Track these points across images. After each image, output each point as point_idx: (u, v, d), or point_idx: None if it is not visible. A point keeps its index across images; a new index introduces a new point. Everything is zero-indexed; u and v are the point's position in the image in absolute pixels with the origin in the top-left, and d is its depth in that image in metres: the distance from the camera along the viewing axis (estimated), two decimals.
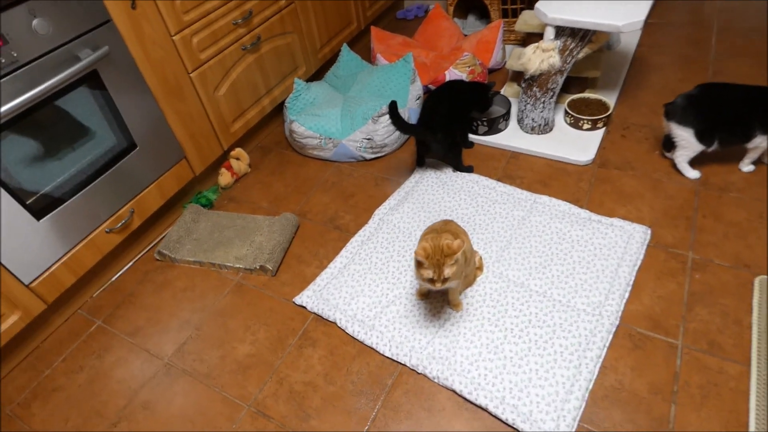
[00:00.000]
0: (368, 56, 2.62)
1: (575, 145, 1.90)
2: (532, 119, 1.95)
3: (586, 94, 2.03)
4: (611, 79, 2.18)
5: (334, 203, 1.88)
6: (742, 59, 2.21)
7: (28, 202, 1.35)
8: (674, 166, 1.76)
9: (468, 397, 1.26)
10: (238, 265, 1.65)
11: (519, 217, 1.67)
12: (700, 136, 1.62)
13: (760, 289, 1.38)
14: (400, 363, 1.36)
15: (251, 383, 1.38)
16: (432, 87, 2.26)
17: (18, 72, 1.24)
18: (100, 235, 1.57)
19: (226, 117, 1.91)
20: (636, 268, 1.48)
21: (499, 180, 1.84)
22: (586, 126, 1.94)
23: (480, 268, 1.53)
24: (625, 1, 1.69)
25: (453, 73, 2.18)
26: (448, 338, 1.38)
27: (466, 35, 2.58)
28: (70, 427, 1.35)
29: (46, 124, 1.35)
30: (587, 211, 1.66)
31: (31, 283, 1.42)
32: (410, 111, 2.08)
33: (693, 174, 1.72)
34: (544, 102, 1.89)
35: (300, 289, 1.59)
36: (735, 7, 2.58)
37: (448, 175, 1.88)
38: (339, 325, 1.47)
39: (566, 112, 1.97)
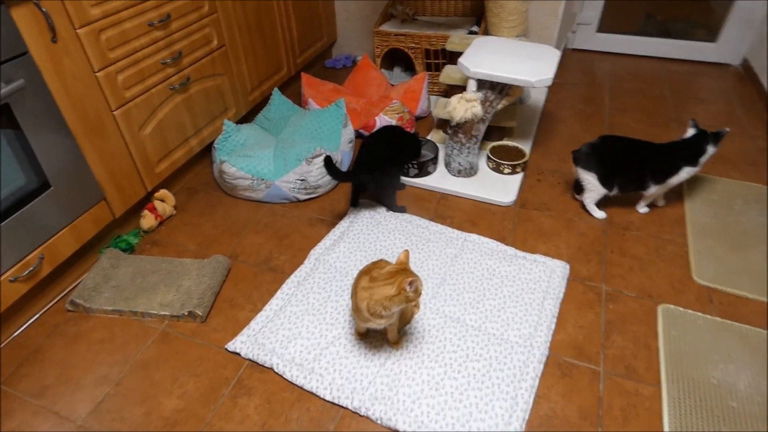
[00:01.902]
0: (299, 101, 2.66)
1: (498, 187, 2.05)
2: (459, 163, 2.07)
3: (505, 142, 2.21)
4: (525, 129, 2.40)
5: (267, 244, 1.84)
6: (630, 114, 2.54)
7: None
8: (584, 207, 1.95)
9: None
10: (163, 312, 1.55)
11: (452, 255, 1.75)
12: (603, 181, 1.82)
13: (663, 317, 1.54)
14: (342, 406, 1.33)
15: None
16: (364, 132, 2.34)
17: None
18: (3, 285, 1.41)
19: (151, 156, 1.84)
20: (559, 300, 1.60)
21: (431, 219, 1.92)
22: (506, 170, 2.10)
23: (417, 305, 1.56)
24: (535, 62, 1.89)
25: (383, 119, 2.28)
26: (390, 377, 1.38)
27: (393, 85, 2.72)
28: None
29: None
30: (513, 248, 1.77)
31: None
32: (342, 154, 2.12)
33: (600, 214, 1.91)
34: (469, 148, 2.03)
35: (233, 334, 1.52)
36: (620, 70, 2.98)
37: (382, 215, 1.93)
38: (276, 371, 1.41)
39: (489, 158, 2.13)
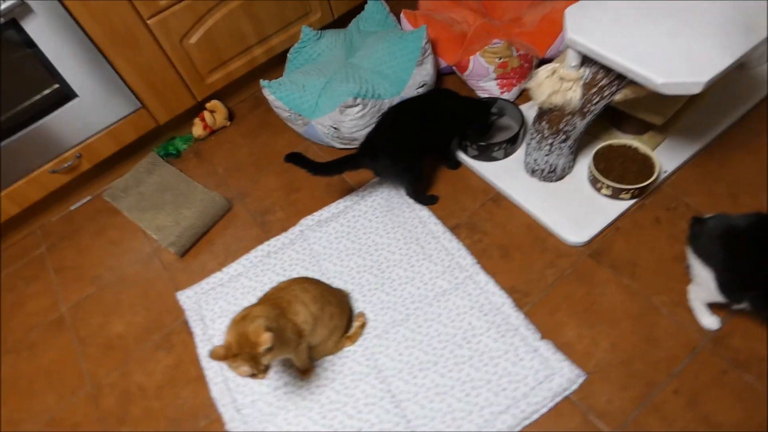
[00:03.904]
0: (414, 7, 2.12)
1: (576, 212, 1.39)
2: (534, 160, 1.44)
3: (634, 142, 1.41)
4: (705, 121, 1.47)
5: (277, 193, 1.69)
6: None
7: None
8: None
9: None
10: (154, 236, 1.63)
11: (439, 290, 1.33)
12: (723, 286, 1.04)
13: None
14: (219, 412, 1.28)
15: (105, 366, 1.43)
16: (458, 71, 1.77)
17: None
18: (43, 175, 1.65)
19: (199, 67, 1.76)
20: (528, 421, 1.12)
21: (453, 229, 1.46)
22: (605, 191, 1.39)
23: (352, 338, 1.29)
24: (707, 42, 1.04)
25: (478, 63, 1.66)
26: (272, 405, 1.24)
27: None
28: None
29: None
30: (523, 316, 1.25)
31: None
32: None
33: (708, 321, 1.16)
34: (551, 144, 1.37)
35: (192, 282, 1.54)
36: None
37: (398, 201, 1.54)
38: (195, 340, 1.41)
39: (591, 162, 1.41)
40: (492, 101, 1.48)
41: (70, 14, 1.44)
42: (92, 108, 1.62)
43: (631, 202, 1.38)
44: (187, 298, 1.49)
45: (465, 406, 1.15)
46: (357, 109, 1.57)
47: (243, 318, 1.05)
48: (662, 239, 1.33)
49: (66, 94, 1.55)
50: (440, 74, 1.86)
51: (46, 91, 1.52)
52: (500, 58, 1.64)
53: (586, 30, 1.11)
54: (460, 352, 1.23)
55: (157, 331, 1.47)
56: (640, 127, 1.46)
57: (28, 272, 1.70)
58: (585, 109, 1.26)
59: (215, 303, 1.45)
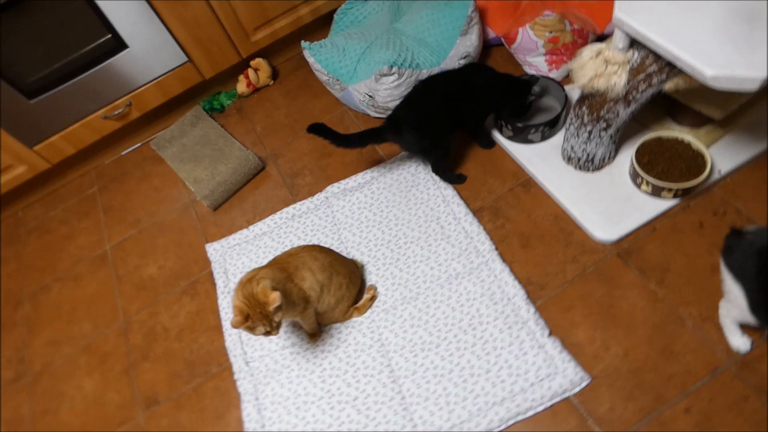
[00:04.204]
0: None
1: (610, 208, 1.30)
2: (571, 147, 1.35)
3: (688, 136, 1.28)
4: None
5: (308, 157, 1.70)
6: None
7: (19, 84, 1.55)
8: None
9: None
10: (191, 187, 1.70)
11: (452, 272, 1.31)
12: (754, 306, 0.95)
13: None
14: (230, 362, 1.35)
15: (136, 303, 1.55)
16: (505, 43, 1.66)
17: None
18: (96, 120, 1.75)
19: (245, 25, 1.76)
20: (522, 417, 1.10)
21: (476, 211, 1.41)
22: (645, 187, 1.28)
23: (360, 309, 1.31)
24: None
25: (527, 35, 1.55)
26: (277, 363, 1.29)
27: None
28: (38, 265, 1.74)
29: (32, 17, 1.45)
30: (534, 309, 1.21)
31: (33, 146, 1.71)
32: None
33: (739, 343, 1.07)
34: (591, 132, 1.27)
35: (221, 236, 1.60)
36: None
37: (425, 177, 1.50)
38: (217, 291, 1.48)
39: (633, 157, 1.30)
40: (533, 80, 1.39)
41: None
42: (142, 59, 1.68)
43: (674, 201, 1.27)
44: (214, 250, 1.56)
45: (460, 391, 1.15)
46: (392, 78, 1.53)
47: (249, 280, 1.09)
48: (702, 246, 1.22)
49: (117, 45, 1.62)
50: (487, 45, 1.76)
51: (99, 41, 1.59)
52: (551, 32, 1.52)
53: (636, 9, 1.00)
54: (464, 338, 1.21)
55: (184, 277, 1.56)
56: (698, 120, 1.32)
57: (81, 209, 1.84)
58: (630, 97, 1.15)
59: (239, 258, 1.51)
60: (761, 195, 1.25)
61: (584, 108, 1.25)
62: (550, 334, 1.18)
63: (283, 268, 1.15)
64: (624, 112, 1.19)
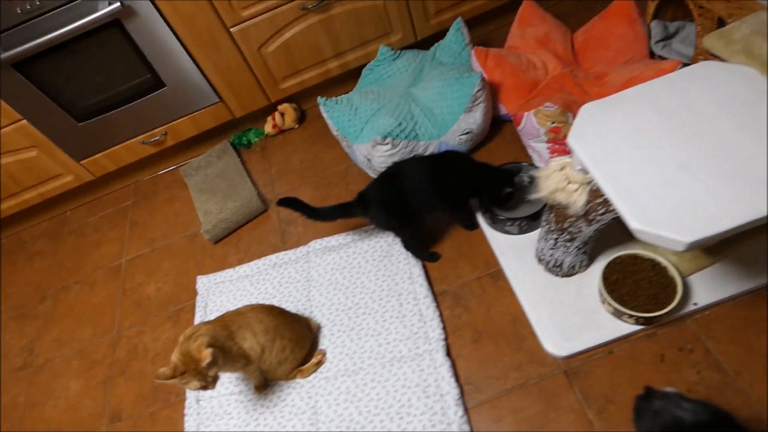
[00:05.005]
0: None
1: (569, 320, 1.23)
2: (542, 250, 1.30)
3: (665, 260, 1.19)
4: None
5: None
6: None
7: (70, 109, 1.79)
8: None
9: None
10: (200, 218, 1.85)
11: (397, 354, 1.31)
12: None
13: None
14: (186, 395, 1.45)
15: (130, 319, 1.71)
16: (518, 117, 1.63)
17: (40, 18, 1.54)
18: (135, 144, 1.96)
19: (274, 73, 1.89)
20: None
21: (438, 294, 1.40)
22: (607, 306, 1.20)
23: (304, 372, 1.35)
24: (716, 196, 0.83)
25: (530, 122, 1.51)
26: (222, 407, 1.37)
27: (655, 56, 1.63)
28: (68, 264, 1.98)
29: (84, 55, 1.67)
30: (462, 413, 1.18)
31: (80, 161, 1.95)
32: (441, 146, 1.62)
33: None
34: (557, 240, 1.22)
35: (213, 269, 1.73)
36: None
37: (399, 250, 1.51)
38: (194, 323, 1.60)
39: (604, 270, 1.22)
40: (515, 170, 1.35)
41: (164, 18, 1.65)
42: (177, 97, 1.86)
43: (637, 327, 1.18)
44: (202, 283, 1.68)
45: None
46: (386, 148, 1.57)
47: (189, 337, 1.17)
48: (657, 382, 1.11)
49: (156, 83, 1.81)
50: (500, 120, 1.74)
51: (140, 79, 1.79)
52: (553, 123, 1.47)
53: (588, 139, 0.96)
54: (389, 426, 1.21)
55: (174, 303, 1.70)
56: None
57: (114, 219, 2.07)
58: (590, 217, 1.10)
59: (219, 295, 1.62)
60: (739, 338, 1.13)
61: (552, 215, 1.21)
62: None
63: (226, 326, 1.23)
64: (587, 229, 1.13)
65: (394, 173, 1.38)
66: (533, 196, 1.17)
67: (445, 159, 1.38)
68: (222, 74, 1.84)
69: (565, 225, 1.17)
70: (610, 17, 1.66)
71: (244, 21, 1.72)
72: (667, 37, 1.66)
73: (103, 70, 1.73)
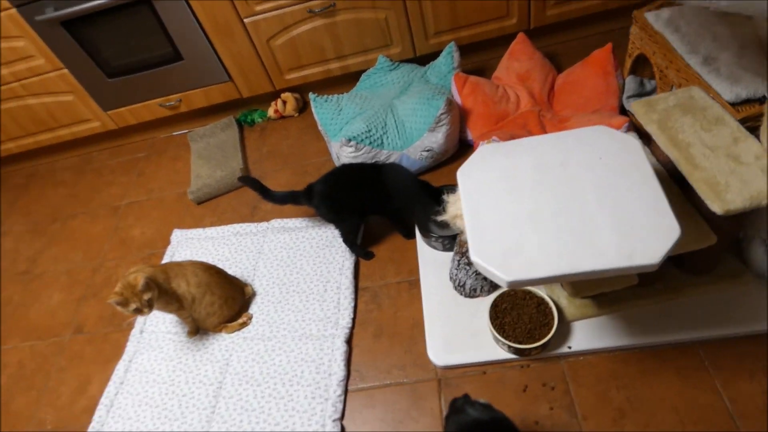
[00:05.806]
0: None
1: (457, 335, 1.35)
2: (451, 268, 1.42)
3: (550, 300, 1.28)
4: (670, 320, 1.23)
5: (281, 188, 1.94)
6: None
7: (103, 66, 2.06)
8: None
9: None
10: (191, 180, 2.08)
11: (307, 332, 1.48)
12: None
13: None
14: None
15: (114, 253, 1.97)
16: (476, 144, 1.74)
17: None
18: (153, 105, 2.22)
19: (280, 64, 2.08)
20: None
21: (361, 289, 1.55)
22: (491, 331, 1.31)
23: (228, 329, 1.55)
24: (558, 241, 0.93)
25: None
26: (158, 339, 1.60)
27: (627, 109, 1.69)
28: (81, 196, 2.27)
29: (116, 24, 1.93)
30: (341, 393, 1.33)
31: (107, 111, 2.23)
32: (403, 158, 1.75)
33: None
34: (459, 261, 1.34)
35: (189, 226, 1.95)
36: None
37: (340, 242, 1.66)
38: None
39: (497, 296, 1.33)
40: (444, 190, 1.47)
41: (187, 2, 1.87)
42: (193, 70, 2.09)
43: (510, 355, 1.28)
44: (176, 236, 1.91)
45: (253, 428, 1.33)
46: (350, 150, 1.72)
47: (132, 272, 1.40)
48: (512, 409, 1.23)
49: (176, 56, 2.04)
50: (467, 144, 1.84)
51: (163, 51, 2.03)
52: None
53: (473, 174, 1.08)
54: (279, 389, 1.38)
55: (150, 247, 1.94)
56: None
57: (126, 166, 2.35)
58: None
59: (185, 249, 1.85)
60: (599, 387, 1.21)
61: (459, 238, 1.33)
62: (340, 419, 1.30)
63: (165, 271, 1.44)
64: None
65: (341, 173, 1.54)
66: (440, 218, 1.29)
67: (386, 170, 1.52)
68: (234, 58, 2.05)
69: (464, 249, 1.28)
70: (589, 66, 1.73)
71: (256, 14, 1.92)
72: (643, 94, 1.71)
73: (133, 39, 1.98)
